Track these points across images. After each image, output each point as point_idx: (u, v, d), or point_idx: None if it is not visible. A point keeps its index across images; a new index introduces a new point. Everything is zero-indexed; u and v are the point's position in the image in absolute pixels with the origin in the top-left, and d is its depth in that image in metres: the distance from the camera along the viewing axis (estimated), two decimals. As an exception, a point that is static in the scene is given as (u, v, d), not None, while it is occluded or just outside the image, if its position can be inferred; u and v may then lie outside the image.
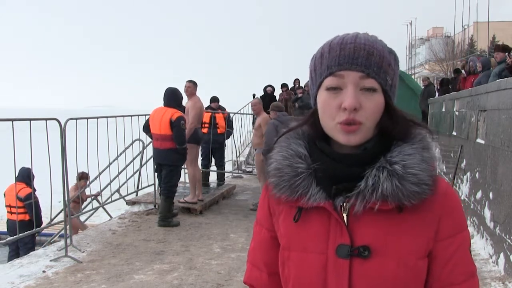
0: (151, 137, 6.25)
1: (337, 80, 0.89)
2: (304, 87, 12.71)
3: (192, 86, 6.88)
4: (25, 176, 6.11)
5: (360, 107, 0.87)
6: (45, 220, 6.36)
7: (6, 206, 6.72)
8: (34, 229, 5.37)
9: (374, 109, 0.88)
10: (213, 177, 9.35)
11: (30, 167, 5.59)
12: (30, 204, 6.22)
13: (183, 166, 6.88)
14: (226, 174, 9.84)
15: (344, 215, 0.91)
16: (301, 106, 11.62)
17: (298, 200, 0.94)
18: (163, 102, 6.17)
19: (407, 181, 0.87)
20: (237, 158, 11.64)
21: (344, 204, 0.91)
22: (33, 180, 6.20)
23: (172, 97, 6.12)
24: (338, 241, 0.90)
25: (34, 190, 6.48)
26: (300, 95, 12.25)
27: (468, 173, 5.94)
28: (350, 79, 0.87)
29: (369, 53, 0.88)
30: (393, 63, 0.92)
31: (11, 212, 6.56)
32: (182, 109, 6.31)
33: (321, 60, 0.92)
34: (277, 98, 13.01)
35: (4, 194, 6.78)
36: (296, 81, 14.66)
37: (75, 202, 7.12)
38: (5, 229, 8.32)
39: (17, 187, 6.10)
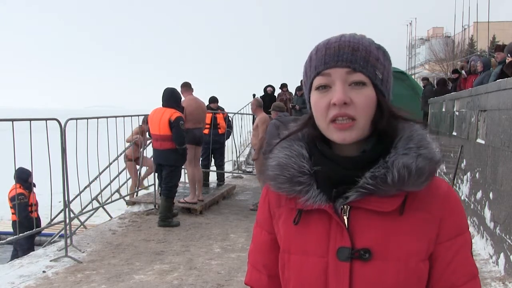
0: None
1: (325, 79, 0.89)
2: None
3: (181, 88, 6.83)
4: (19, 177, 6.12)
5: (351, 101, 0.87)
6: (45, 220, 6.37)
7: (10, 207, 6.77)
8: (33, 230, 5.36)
9: (364, 103, 0.88)
10: (213, 177, 9.35)
11: (30, 168, 5.59)
12: (15, 205, 6.24)
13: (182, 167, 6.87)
14: (226, 174, 9.84)
15: (345, 217, 0.91)
16: (303, 108, 11.63)
17: (298, 202, 0.94)
18: (161, 102, 6.17)
19: (400, 172, 0.87)
20: (237, 158, 11.63)
21: (345, 206, 0.91)
22: (31, 180, 6.20)
23: (170, 97, 6.11)
24: (339, 243, 0.90)
25: (34, 186, 6.49)
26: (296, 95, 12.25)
27: (468, 173, 5.94)
28: (337, 76, 0.88)
29: (354, 48, 0.88)
30: (382, 58, 0.92)
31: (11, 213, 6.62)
32: (181, 109, 6.30)
33: (310, 63, 0.93)
34: (277, 98, 12.98)
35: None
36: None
37: (136, 145, 7.29)
38: (5, 229, 8.31)
39: (12, 188, 6.15)
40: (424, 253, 0.90)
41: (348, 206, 0.91)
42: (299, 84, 13.38)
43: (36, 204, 6.73)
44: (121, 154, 7.52)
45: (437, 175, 0.94)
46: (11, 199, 6.37)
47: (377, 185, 0.87)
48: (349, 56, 0.88)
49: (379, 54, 0.91)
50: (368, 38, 0.92)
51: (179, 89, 6.59)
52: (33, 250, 5.76)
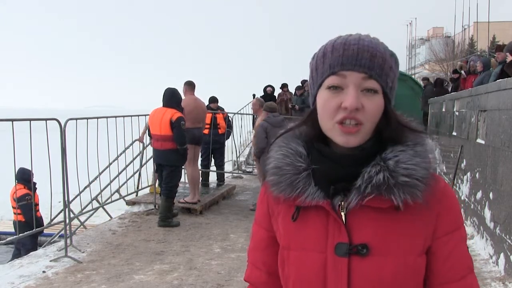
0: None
1: (339, 80, 0.89)
2: (304, 86, 12.60)
3: (183, 87, 6.84)
4: (22, 178, 6.11)
5: (362, 107, 0.88)
6: (45, 220, 6.37)
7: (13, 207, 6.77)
8: (33, 230, 5.36)
9: (374, 110, 0.89)
10: (213, 177, 9.35)
11: (30, 168, 5.59)
12: (23, 206, 6.23)
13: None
14: (226, 174, 9.83)
15: (342, 214, 0.92)
16: (302, 108, 11.61)
17: (296, 199, 0.95)
18: (162, 102, 6.17)
19: (398, 173, 0.88)
20: (237, 158, 11.63)
21: (342, 203, 0.92)
22: (32, 181, 6.20)
23: (171, 98, 6.11)
24: (337, 239, 0.91)
25: (35, 189, 6.48)
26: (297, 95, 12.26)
27: (468, 173, 5.94)
28: (353, 79, 0.88)
29: (372, 55, 0.88)
30: (394, 66, 0.93)
31: (14, 213, 6.62)
32: (182, 109, 6.31)
33: (323, 59, 0.92)
34: (277, 98, 12.94)
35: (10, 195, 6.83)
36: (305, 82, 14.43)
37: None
38: (4, 229, 8.30)
39: (15, 188, 6.13)
40: (421, 248, 0.91)
41: (346, 203, 0.92)
42: (299, 84, 13.38)
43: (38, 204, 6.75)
44: (121, 154, 7.51)
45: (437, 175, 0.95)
46: (18, 199, 6.36)
47: (373, 183, 0.88)
48: (367, 62, 0.88)
49: (391, 62, 0.92)
50: (382, 43, 0.93)
51: (181, 89, 6.60)
52: (36, 250, 5.76)
